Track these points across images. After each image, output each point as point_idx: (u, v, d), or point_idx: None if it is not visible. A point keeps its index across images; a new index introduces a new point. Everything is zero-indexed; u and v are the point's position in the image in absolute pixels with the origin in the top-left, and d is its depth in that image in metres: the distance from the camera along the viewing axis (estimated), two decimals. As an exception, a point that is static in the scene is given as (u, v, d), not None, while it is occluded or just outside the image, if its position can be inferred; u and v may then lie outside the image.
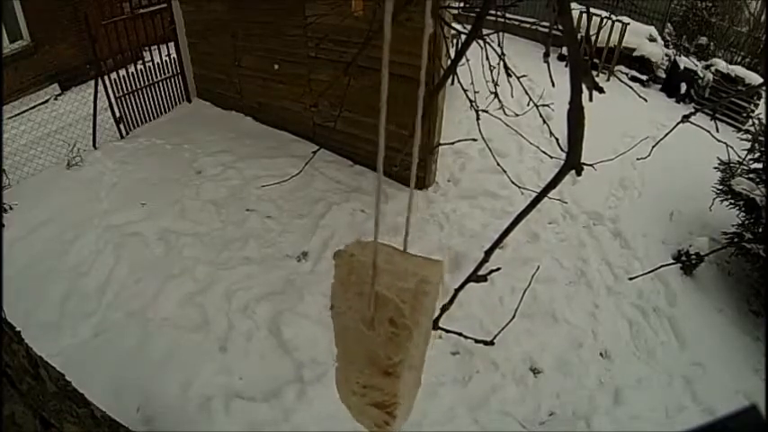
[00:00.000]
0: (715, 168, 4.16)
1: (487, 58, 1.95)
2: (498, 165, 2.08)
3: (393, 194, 4.26)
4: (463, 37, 4.24)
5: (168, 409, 2.76)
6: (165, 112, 6.04)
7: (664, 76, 7.57)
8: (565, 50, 6.43)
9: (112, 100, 5.27)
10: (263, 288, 3.55)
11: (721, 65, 7.08)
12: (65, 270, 3.67)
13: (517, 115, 2.12)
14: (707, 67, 7.19)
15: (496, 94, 2.02)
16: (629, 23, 7.06)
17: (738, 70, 6.95)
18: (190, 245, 3.93)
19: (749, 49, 8.29)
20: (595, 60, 7.39)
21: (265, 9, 4.96)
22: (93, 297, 3.48)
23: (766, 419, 0.38)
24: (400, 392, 0.54)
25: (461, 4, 3.77)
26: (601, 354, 3.31)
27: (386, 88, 0.43)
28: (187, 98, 6.28)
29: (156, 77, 5.80)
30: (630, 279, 3.60)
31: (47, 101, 7.18)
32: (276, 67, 5.19)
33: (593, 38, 6.91)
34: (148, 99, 5.77)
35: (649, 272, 3.23)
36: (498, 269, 1.10)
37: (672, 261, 3.89)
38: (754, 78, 6.67)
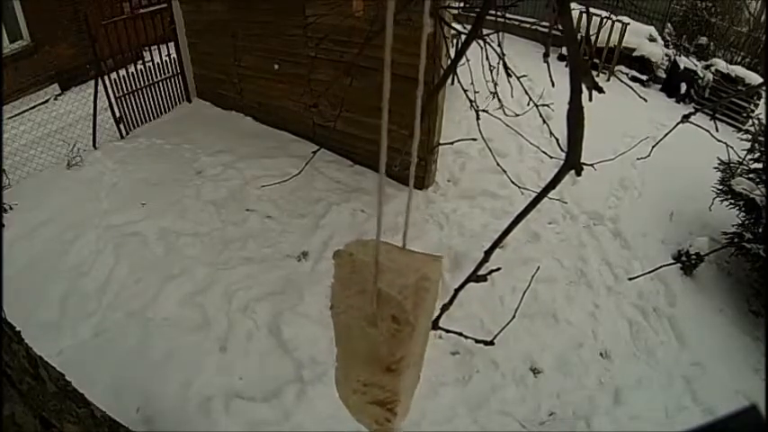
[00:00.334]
0: (715, 168, 4.16)
1: (487, 58, 1.95)
2: (498, 165, 2.08)
3: (393, 194, 4.26)
4: (463, 37, 4.24)
5: (168, 409, 2.76)
6: (165, 112, 6.04)
7: (664, 76, 7.57)
8: (565, 50, 6.43)
9: (112, 100, 5.27)
10: (263, 288, 3.55)
11: (721, 65, 7.08)
12: (65, 270, 3.67)
13: (517, 115, 2.12)
14: (707, 67, 7.20)
15: (496, 94, 2.02)
16: (629, 23, 7.06)
17: (738, 70, 6.95)
18: (190, 245, 3.93)
19: (749, 49, 8.29)
20: (595, 60, 7.39)
21: (265, 9, 4.96)
22: (93, 297, 3.47)
23: (766, 419, 0.38)
24: (402, 389, 0.54)
25: (461, 4, 3.77)
26: (601, 354, 3.31)
27: (388, 88, 0.43)
28: (187, 98, 6.28)
29: (156, 77, 5.79)
30: (630, 279, 3.60)
31: (47, 101, 7.18)
32: (276, 66, 5.19)
33: (593, 38, 6.91)
34: (148, 99, 5.77)
35: (649, 272, 3.23)
36: (498, 269, 1.10)
37: (672, 261, 3.89)
38: (754, 78, 6.67)
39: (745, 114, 6.68)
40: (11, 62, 6.88)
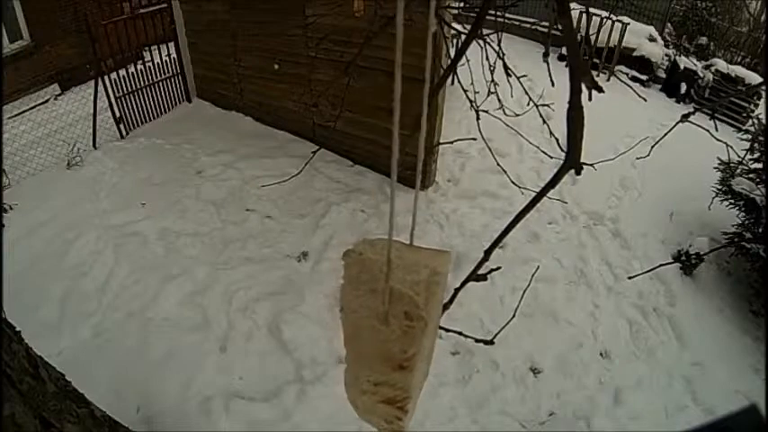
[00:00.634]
0: (715, 168, 4.16)
1: (487, 58, 1.95)
2: (498, 165, 2.08)
3: (395, 194, 4.26)
4: (463, 37, 4.24)
5: (168, 409, 2.76)
6: (165, 112, 6.04)
7: (664, 76, 7.57)
8: (565, 50, 6.42)
9: (112, 100, 5.27)
10: (263, 288, 3.55)
11: (721, 65, 7.08)
12: (65, 270, 3.67)
13: (517, 115, 2.11)
14: (707, 67, 7.19)
15: (496, 94, 2.02)
16: (629, 23, 7.06)
17: (738, 70, 6.95)
18: (190, 245, 3.93)
19: (749, 49, 8.29)
20: (595, 60, 7.39)
21: (265, 9, 4.96)
22: (93, 297, 3.47)
23: (766, 419, 0.38)
24: (413, 386, 0.54)
25: (461, 4, 3.77)
26: (601, 354, 3.31)
27: (399, 88, 0.43)
28: (187, 98, 6.28)
29: (156, 77, 5.80)
30: (630, 278, 3.60)
31: (47, 101, 7.18)
32: (276, 66, 5.19)
33: (593, 38, 6.91)
34: (148, 99, 5.77)
35: (649, 271, 3.22)
36: (498, 268, 1.10)
37: (671, 261, 3.89)
38: (754, 78, 6.67)
39: (745, 114, 6.68)
40: (11, 62, 6.88)
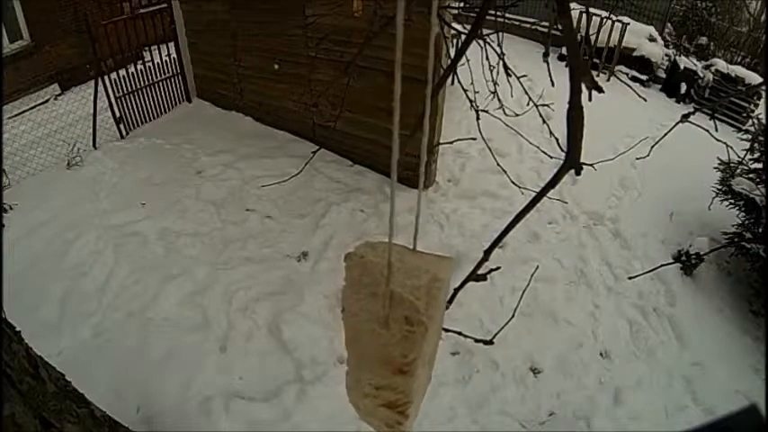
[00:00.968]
0: (715, 168, 4.16)
1: (487, 58, 1.95)
2: (498, 165, 2.08)
3: (394, 194, 4.26)
4: (463, 37, 4.24)
5: (168, 409, 2.76)
6: (165, 112, 6.04)
7: (664, 76, 7.57)
8: (565, 50, 6.42)
9: (112, 100, 5.27)
10: (263, 288, 3.55)
11: (721, 65, 7.08)
12: (65, 270, 3.67)
13: (517, 115, 2.11)
14: (707, 67, 7.19)
15: (496, 94, 2.02)
16: (628, 23, 7.06)
17: (738, 70, 6.95)
18: (190, 245, 3.93)
19: (749, 49, 8.29)
20: (595, 60, 7.39)
21: (265, 9, 4.96)
22: (93, 297, 3.47)
23: (766, 419, 0.38)
24: (414, 390, 0.54)
25: (461, 4, 3.77)
26: (601, 354, 3.31)
27: (399, 88, 0.43)
28: (187, 98, 6.28)
29: (156, 77, 5.79)
30: (630, 278, 3.60)
31: (47, 101, 7.18)
32: (276, 66, 5.19)
33: (593, 38, 6.91)
34: (148, 99, 5.77)
35: (649, 271, 3.23)
36: (498, 268, 1.10)
37: (671, 261, 3.89)
38: (754, 78, 6.67)
39: (745, 114, 6.68)
40: (11, 62, 6.89)
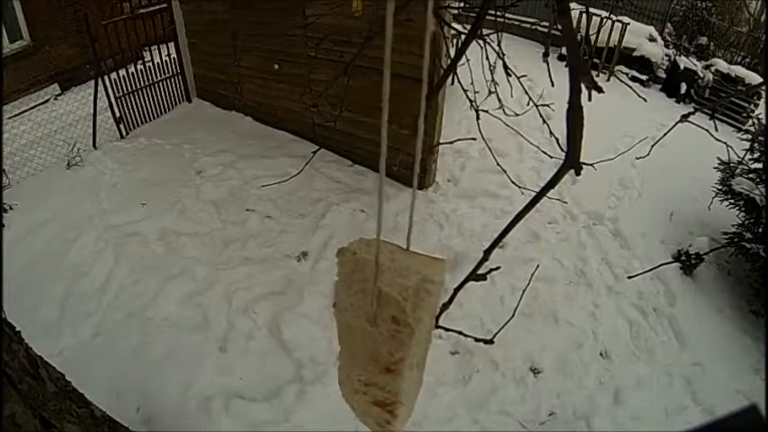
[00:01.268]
0: (715, 168, 4.16)
1: (487, 58, 1.95)
2: (498, 165, 2.08)
3: (393, 194, 4.26)
4: (463, 37, 4.24)
5: (168, 409, 2.76)
6: (165, 112, 6.04)
7: (664, 76, 7.57)
8: (565, 50, 6.42)
9: (112, 100, 5.27)
10: (263, 288, 3.55)
11: (721, 65, 7.08)
12: (65, 270, 3.67)
13: (517, 115, 2.12)
14: (707, 67, 7.19)
15: (496, 94, 2.02)
16: (629, 23, 7.06)
17: (738, 70, 6.95)
18: (190, 245, 3.93)
19: (749, 49, 8.29)
20: (595, 60, 7.39)
21: (265, 9, 4.96)
22: (93, 297, 3.47)
23: (766, 419, 0.38)
24: (402, 391, 0.54)
25: (461, 4, 3.77)
26: (601, 354, 3.31)
27: (387, 87, 0.43)
28: (187, 98, 6.28)
29: (156, 77, 5.80)
30: (630, 278, 3.60)
31: (47, 101, 7.18)
32: (276, 66, 5.19)
33: (593, 38, 6.91)
34: (148, 99, 5.77)
35: (649, 270, 3.22)
36: (498, 268, 1.10)
37: (671, 261, 3.88)
38: (754, 78, 6.67)
39: (745, 114, 6.68)
40: (11, 62, 6.89)
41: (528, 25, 7.76)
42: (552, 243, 4.12)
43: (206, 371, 2.98)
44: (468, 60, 1.75)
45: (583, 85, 0.71)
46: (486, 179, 4.64)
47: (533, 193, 0.79)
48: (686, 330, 3.49)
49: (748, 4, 8.43)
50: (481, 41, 1.77)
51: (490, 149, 2.10)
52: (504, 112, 2.08)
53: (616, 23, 6.96)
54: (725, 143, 1.67)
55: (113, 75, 5.26)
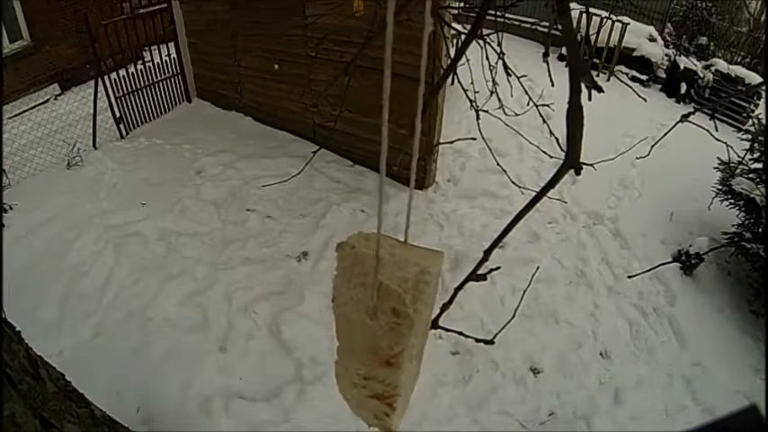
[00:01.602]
0: (715, 168, 4.16)
1: (487, 58, 1.95)
2: (498, 164, 2.08)
3: (393, 194, 4.26)
4: (463, 37, 4.24)
5: (168, 409, 2.76)
6: (165, 112, 6.04)
7: (664, 76, 7.57)
8: (565, 50, 6.42)
9: (112, 100, 5.27)
10: (263, 288, 3.55)
11: (721, 65, 7.08)
12: (65, 270, 3.67)
13: (517, 115, 2.12)
14: (707, 67, 7.19)
15: (496, 94, 2.02)
16: (628, 23, 7.06)
17: (738, 70, 6.95)
18: (190, 245, 3.93)
19: (749, 49, 8.29)
20: (595, 60, 7.39)
21: (265, 9, 4.96)
22: (93, 297, 3.47)
23: (766, 419, 0.38)
24: (401, 383, 0.54)
25: (461, 4, 3.77)
26: (601, 354, 3.31)
27: (388, 87, 0.43)
28: (187, 98, 6.28)
29: (156, 77, 5.80)
30: (630, 278, 3.60)
31: (47, 101, 7.18)
32: (276, 66, 5.19)
33: (593, 38, 6.91)
34: (148, 99, 5.77)
35: (649, 270, 3.22)
36: (498, 268, 1.10)
37: (671, 261, 3.88)
38: (754, 78, 6.67)
39: (745, 114, 6.68)
40: (11, 62, 6.89)
41: (528, 25, 7.76)
42: (552, 243, 4.12)
43: (206, 371, 2.98)
44: (468, 60, 1.75)
45: (583, 85, 0.71)
46: (487, 179, 4.64)
47: (533, 193, 0.79)
48: (686, 330, 3.49)
49: (748, 4, 8.43)
50: (481, 41, 1.77)
51: (490, 149, 2.10)
52: (504, 112, 2.09)
53: (616, 23, 6.96)
54: (725, 143, 1.67)
55: (113, 75, 5.26)
